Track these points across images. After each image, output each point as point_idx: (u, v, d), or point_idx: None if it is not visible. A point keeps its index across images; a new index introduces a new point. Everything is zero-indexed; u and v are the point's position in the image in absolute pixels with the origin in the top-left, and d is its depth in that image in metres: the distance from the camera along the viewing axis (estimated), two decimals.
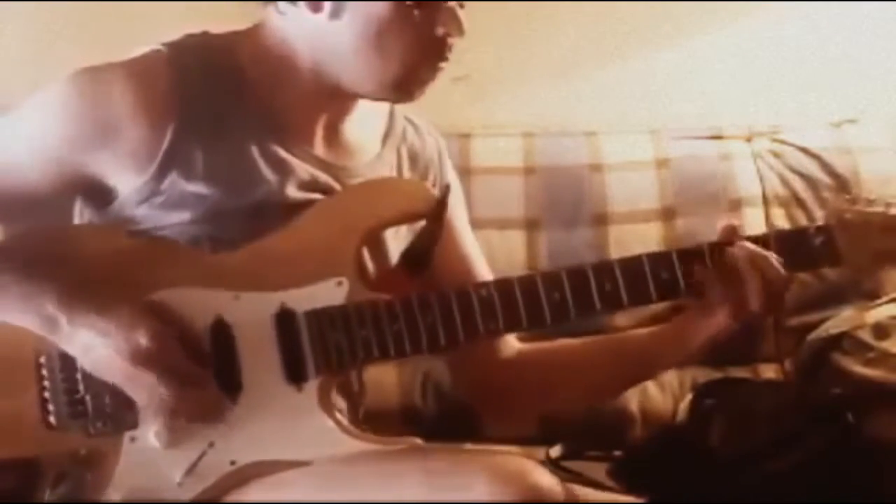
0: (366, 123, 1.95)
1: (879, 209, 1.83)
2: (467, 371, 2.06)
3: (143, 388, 1.69)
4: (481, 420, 2.29)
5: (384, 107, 1.98)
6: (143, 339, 1.67)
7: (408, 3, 1.75)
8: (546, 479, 1.55)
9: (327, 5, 1.76)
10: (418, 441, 1.78)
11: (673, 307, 2.00)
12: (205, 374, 1.72)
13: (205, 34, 1.88)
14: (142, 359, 1.67)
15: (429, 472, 1.60)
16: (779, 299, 1.80)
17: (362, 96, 1.88)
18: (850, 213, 1.83)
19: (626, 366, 2.00)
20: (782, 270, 1.78)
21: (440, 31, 1.78)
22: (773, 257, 1.79)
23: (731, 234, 1.82)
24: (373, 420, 1.94)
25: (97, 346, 1.69)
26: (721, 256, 1.80)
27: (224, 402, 1.74)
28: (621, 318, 2.43)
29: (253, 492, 1.73)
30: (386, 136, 1.98)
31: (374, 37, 1.77)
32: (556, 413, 2.16)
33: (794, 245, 1.82)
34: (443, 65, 1.81)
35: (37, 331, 1.72)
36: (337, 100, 1.88)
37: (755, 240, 1.84)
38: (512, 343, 2.05)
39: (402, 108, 2.01)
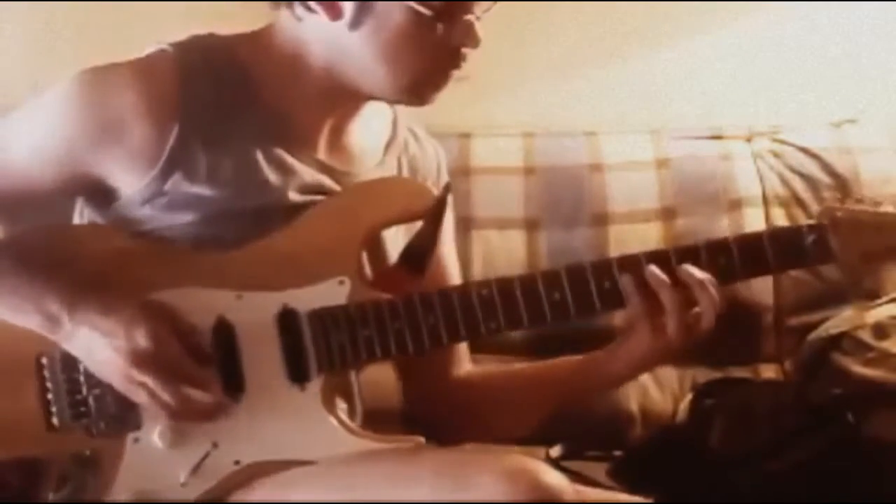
0: (369, 131, 1.96)
1: (869, 208, 1.84)
2: (417, 385, 2.07)
3: (143, 390, 1.69)
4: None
5: (387, 116, 1.99)
6: (142, 340, 1.68)
7: (431, 16, 1.75)
8: (555, 478, 1.56)
9: (347, 14, 1.77)
10: (421, 440, 1.79)
11: None
12: (206, 374, 1.73)
13: (211, 35, 1.88)
14: (141, 359, 1.68)
15: (438, 471, 1.61)
16: (706, 331, 1.78)
17: (377, 99, 1.89)
18: (842, 211, 1.84)
19: (565, 389, 1.99)
20: (718, 300, 1.76)
21: (456, 42, 1.79)
22: (713, 284, 1.77)
23: (664, 258, 1.79)
24: (373, 420, 1.94)
25: (98, 346, 1.69)
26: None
27: (226, 402, 1.74)
28: (620, 318, 2.43)
29: (258, 491, 1.73)
30: (388, 144, 1.98)
31: (394, 46, 1.77)
32: (512, 432, 2.15)
33: (787, 243, 1.83)
34: (455, 72, 1.82)
35: (38, 330, 1.72)
36: (345, 104, 1.88)
37: (747, 238, 1.85)
38: (465, 364, 2.06)
39: (405, 114, 2.01)
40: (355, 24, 1.77)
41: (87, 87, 1.80)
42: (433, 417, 2.05)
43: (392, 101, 1.93)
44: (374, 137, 1.97)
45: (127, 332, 1.68)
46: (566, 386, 1.98)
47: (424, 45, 1.78)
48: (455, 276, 2.06)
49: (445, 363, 2.02)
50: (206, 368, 1.73)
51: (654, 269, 1.77)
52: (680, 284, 1.77)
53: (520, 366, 2.05)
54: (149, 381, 1.68)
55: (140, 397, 1.70)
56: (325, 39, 1.81)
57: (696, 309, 1.77)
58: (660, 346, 1.80)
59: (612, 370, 1.91)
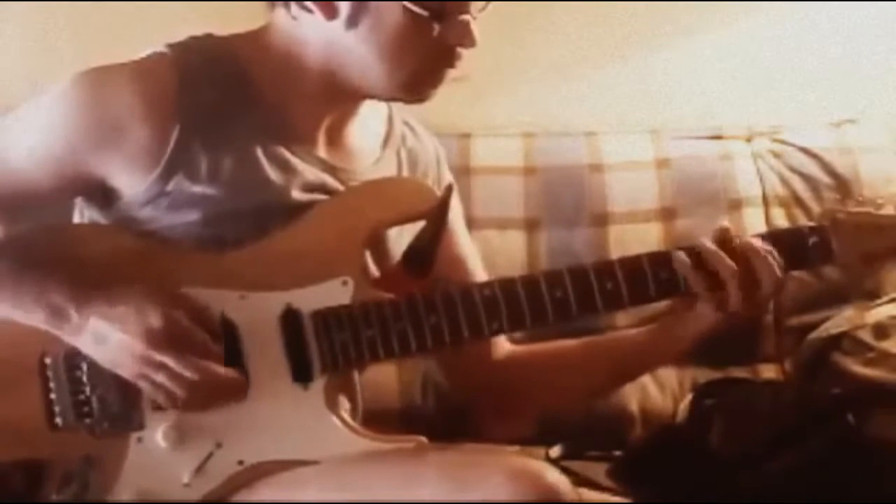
0: (366, 127, 1.96)
1: (870, 209, 1.85)
2: (461, 374, 2.08)
3: (161, 371, 1.69)
4: (479, 421, 2.29)
5: (383, 111, 2.00)
6: (155, 320, 1.68)
7: (426, 16, 1.76)
8: (559, 480, 1.57)
9: (343, 13, 1.77)
10: (423, 440, 1.79)
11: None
12: (220, 350, 1.73)
13: (208, 36, 1.88)
14: (157, 339, 1.68)
15: (442, 471, 1.62)
16: (772, 297, 1.83)
17: (375, 98, 1.89)
18: (843, 213, 1.86)
19: (619, 364, 2.01)
20: (778, 271, 1.81)
21: (452, 42, 1.79)
22: (772, 255, 1.81)
23: (725, 236, 1.84)
24: (373, 420, 1.94)
25: (109, 335, 1.70)
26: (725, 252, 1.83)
27: (240, 382, 1.75)
28: (622, 318, 2.43)
29: (262, 491, 1.74)
30: (386, 139, 1.99)
31: (390, 46, 1.78)
32: (551, 413, 2.16)
33: (788, 244, 1.85)
34: (454, 72, 1.83)
35: (44, 326, 1.72)
36: (343, 102, 1.89)
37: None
38: (504, 345, 2.06)
39: (401, 111, 2.02)
40: (351, 23, 1.78)
41: (86, 88, 1.80)
42: (479, 398, 2.08)
43: (389, 99, 1.94)
44: (372, 134, 1.98)
45: (138, 315, 1.69)
46: (621, 362, 2.00)
47: (420, 45, 1.79)
48: (478, 271, 2.07)
49: (483, 349, 2.02)
50: (219, 344, 1.74)
51: (709, 245, 1.81)
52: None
53: (568, 342, 2.03)
54: (168, 359, 1.68)
55: (156, 380, 1.70)
56: (322, 38, 1.81)
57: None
58: (721, 318, 1.83)
59: (671, 346, 1.94)
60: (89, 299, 1.71)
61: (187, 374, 1.69)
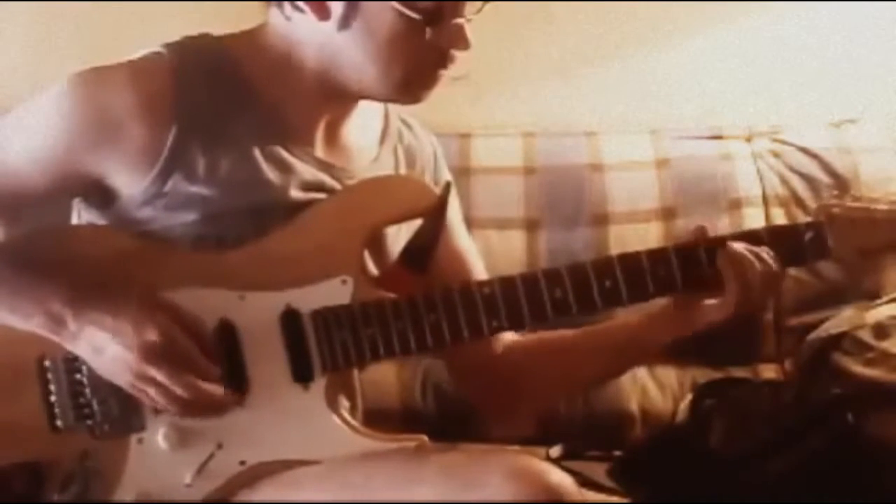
0: (363, 126, 1.96)
1: (866, 205, 1.85)
2: (462, 367, 2.07)
3: (153, 386, 1.69)
4: (482, 419, 2.29)
5: (379, 109, 1.99)
6: (151, 335, 1.68)
7: (419, 19, 1.75)
8: (562, 479, 1.57)
9: (335, 14, 1.77)
10: (425, 439, 1.79)
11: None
12: (214, 368, 1.73)
13: (205, 36, 1.88)
14: (151, 354, 1.68)
15: (444, 471, 1.62)
16: (770, 294, 1.85)
17: (370, 98, 1.89)
18: (838, 208, 1.86)
19: (619, 352, 2.00)
20: (775, 265, 1.81)
21: (445, 45, 1.79)
22: (766, 252, 1.82)
23: (701, 234, 1.85)
24: (373, 420, 1.94)
25: (106, 344, 1.69)
26: (716, 252, 1.83)
27: (232, 399, 1.75)
28: (621, 316, 2.43)
29: (263, 491, 1.74)
30: (383, 137, 1.98)
31: (383, 48, 1.77)
32: (552, 405, 2.16)
33: (785, 240, 1.86)
34: (443, 72, 1.82)
35: (42, 332, 1.72)
36: (338, 102, 1.88)
37: (748, 235, 1.87)
38: (506, 336, 2.05)
39: (398, 109, 2.01)
40: (343, 24, 1.77)
41: (83, 88, 1.80)
42: (481, 391, 2.06)
43: (384, 100, 1.93)
44: (369, 133, 1.97)
45: (135, 327, 1.68)
46: (621, 349, 1.99)
47: (413, 47, 1.78)
48: (478, 269, 2.06)
49: (486, 342, 2.00)
50: (213, 362, 1.73)
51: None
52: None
53: (570, 331, 2.01)
54: (160, 375, 1.68)
55: (149, 393, 1.70)
56: (315, 39, 1.81)
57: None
58: (740, 310, 1.82)
59: (670, 334, 1.92)
60: (87, 305, 1.71)
61: (178, 391, 1.69)
